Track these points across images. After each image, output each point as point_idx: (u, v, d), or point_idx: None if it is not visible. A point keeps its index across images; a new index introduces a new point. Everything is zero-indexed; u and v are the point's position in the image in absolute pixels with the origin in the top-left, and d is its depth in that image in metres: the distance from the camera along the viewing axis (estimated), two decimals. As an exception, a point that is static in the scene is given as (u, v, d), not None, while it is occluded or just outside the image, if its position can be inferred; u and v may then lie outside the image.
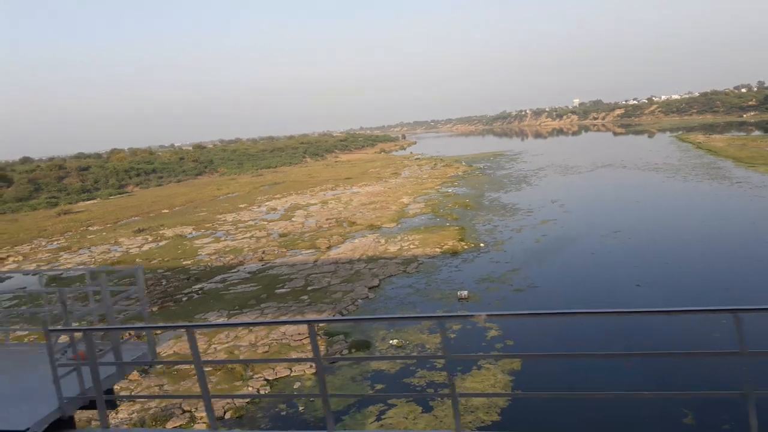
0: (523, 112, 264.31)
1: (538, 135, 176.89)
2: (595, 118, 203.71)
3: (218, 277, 21.73)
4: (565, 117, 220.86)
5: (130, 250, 28.46)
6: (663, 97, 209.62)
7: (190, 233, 32.24)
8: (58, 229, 37.77)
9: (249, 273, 22.09)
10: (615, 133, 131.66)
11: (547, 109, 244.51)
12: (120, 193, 60.72)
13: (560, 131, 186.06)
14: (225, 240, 29.24)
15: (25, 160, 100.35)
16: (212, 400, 4.53)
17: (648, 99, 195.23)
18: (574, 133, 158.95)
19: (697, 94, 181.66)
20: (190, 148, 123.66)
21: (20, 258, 28.81)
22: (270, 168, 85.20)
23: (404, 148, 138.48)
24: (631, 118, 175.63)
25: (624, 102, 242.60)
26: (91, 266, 25.31)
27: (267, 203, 43.37)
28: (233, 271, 22.70)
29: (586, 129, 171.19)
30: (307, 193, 48.73)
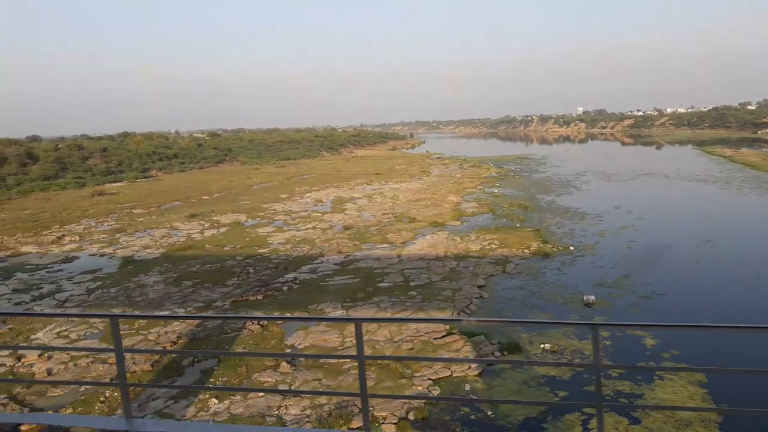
0: (529, 117, 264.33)
1: (543, 141, 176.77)
2: (603, 127, 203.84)
3: (305, 268, 20.96)
4: (572, 124, 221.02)
5: (192, 235, 27.57)
6: (669, 110, 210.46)
7: (246, 221, 31.39)
8: (101, 210, 36.75)
9: (336, 265, 21.34)
10: (623, 143, 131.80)
11: (554, 116, 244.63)
12: (144, 177, 59.59)
13: (567, 138, 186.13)
14: (288, 230, 28.41)
15: (33, 139, 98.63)
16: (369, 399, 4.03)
17: (657, 111, 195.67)
18: (581, 141, 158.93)
19: (703, 108, 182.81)
20: (186, 135, 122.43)
21: (76, 238, 27.86)
22: (290, 159, 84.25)
23: (414, 147, 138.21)
24: (641, 129, 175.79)
25: (629, 112, 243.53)
26: (159, 250, 24.52)
27: (309, 195, 42.54)
28: (316, 262, 21.94)
29: (593, 137, 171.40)
30: (344, 186, 47.96)
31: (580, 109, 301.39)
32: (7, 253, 24.96)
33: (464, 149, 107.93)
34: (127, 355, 12.37)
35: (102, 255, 24.14)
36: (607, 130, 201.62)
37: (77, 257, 23.94)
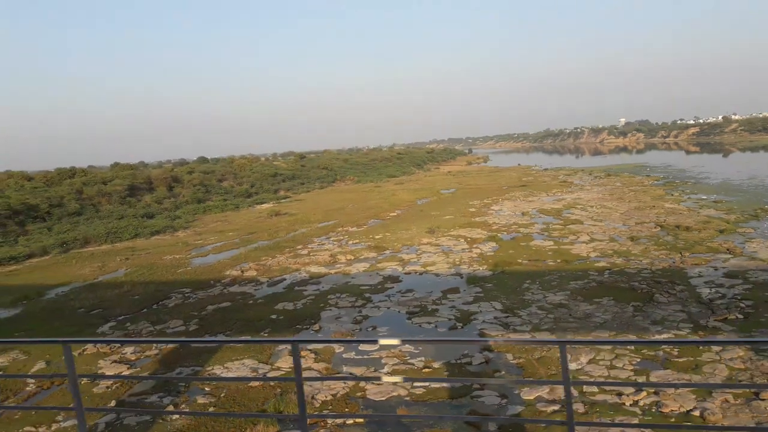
0: (579, 129, 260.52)
1: (596, 152, 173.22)
2: (665, 137, 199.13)
3: (691, 279, 18.57)
4: (629, 135, 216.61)
5: (485, 252, 25.38)
6: (720, 117, 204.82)
7: (501, 235, 29.21)
8: (314, 231, 35.06)
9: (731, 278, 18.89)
10: (688, 152, 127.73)
11: (607, 127, 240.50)
12: (283, 198, 58.34)
13: (624, 149, 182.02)
14: (592, 242, 25.89)
15: (115, 165, 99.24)
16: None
17: (724, 118, 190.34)
18: (640, 151, 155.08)
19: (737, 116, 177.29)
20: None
21: (350, 258, 25.99)
22: (394, 177, 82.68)
23: (487, 162, 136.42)
24: (709, 137, 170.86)
25: (680, 121, 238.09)
26: (472, 267, 22.43)
27: (494, 208, 40.34)
28: (696, 272, 19.52)
29: (653, 147, 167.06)
30: (510, 199, 45.78)
31: (623, 120, 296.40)
32: (305, 275, 23.15)
33: (542, 163, 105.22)
34: None
35: (417, 273, 22.10)
36: (670, 139, 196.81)
37: (389, 276, 21.93)
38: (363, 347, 14.19)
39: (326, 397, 11.60)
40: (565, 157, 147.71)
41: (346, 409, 11.01)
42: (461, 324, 15.60)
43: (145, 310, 19.41)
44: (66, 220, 39.80)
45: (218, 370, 13.51)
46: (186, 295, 20.96)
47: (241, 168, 76.73)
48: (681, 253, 22.72)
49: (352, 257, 26.07)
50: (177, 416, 11.18)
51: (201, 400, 11.92)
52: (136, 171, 55.94)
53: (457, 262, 23.35)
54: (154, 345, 15.37)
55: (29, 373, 14.03)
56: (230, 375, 13.30)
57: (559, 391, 11.02)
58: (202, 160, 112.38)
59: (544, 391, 11.15)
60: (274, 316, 17.65)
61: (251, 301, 19.65)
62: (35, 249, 31.70)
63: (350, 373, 12.75)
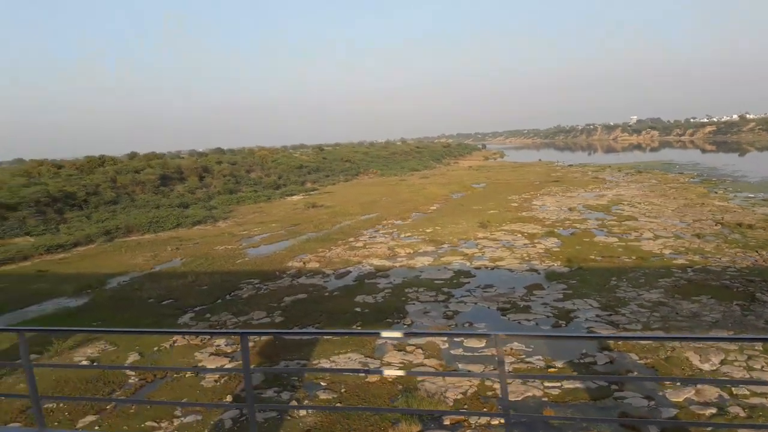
0: (592, 126, 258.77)
1: (610, 150, 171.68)
2: (680, 135, 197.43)
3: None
4: (644, 132, 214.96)
5: (549, 247, 24.86)
6: (736, 116, 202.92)
7: (560, 230, 28.61)
8: (359, 224, 34.54)
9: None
10: (704, 150, 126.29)
11: (620, 124, 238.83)
12: (312, 190, 57.79)
13: (637, 146, 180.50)
14: (658, 239, 25.23)
15: (133, 156, 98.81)
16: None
17: (740, 116, 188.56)
18: (654, 149, 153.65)
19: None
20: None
21: (409, 251, 25.48)
22: (417, 171, 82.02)
23: (503, 157, 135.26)
24: (726, 136, 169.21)
25: (693, 119, 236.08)
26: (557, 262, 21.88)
27: (536, 203, 39.69)
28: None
29: (668, 145, 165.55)
30: (546, 194, 45.12)
31: (634, 118, 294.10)
32: (370, 268, 22.65)
33: (557, 159, 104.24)
34: None
35: (488, 268, 21.54)
36: (685, 137, 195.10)
37: (459, 270, 21.37)
38: (468, 343, 13.67)
39: (456, 395, 11.11)
40: (577, 153, 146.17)
41: (485, 408, 10.51)
42: (564, 322, 15.06)
43: (219, 300, 18.95)
44: (103, 209, 39.41)
45: (326, 364, 13.04)
46: (256, 286, 20.49)
47: (263, 159, 76.20)
48: (757, 251, 22.12)
49: (411, 251, 25.53)
50: (303, 413, 10.70)
51: (322, 395, 11.43)
52: (166, 161, 55.47)
53: (526, 258, 22.78)
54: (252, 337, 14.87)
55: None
56: (335, 368, 12.84)
57: (709, 393, 10.50)
58: (218, 151, 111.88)
59: (690, 393, 10.62)
60: (358, 309, 17.16)
61: (326, 294, 19.17)
62: (80, 237, 31.31)
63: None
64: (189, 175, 52.08)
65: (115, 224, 34.29)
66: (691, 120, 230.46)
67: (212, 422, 10.64)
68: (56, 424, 10.79)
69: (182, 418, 10.84)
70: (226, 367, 13.26)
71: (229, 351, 14.33)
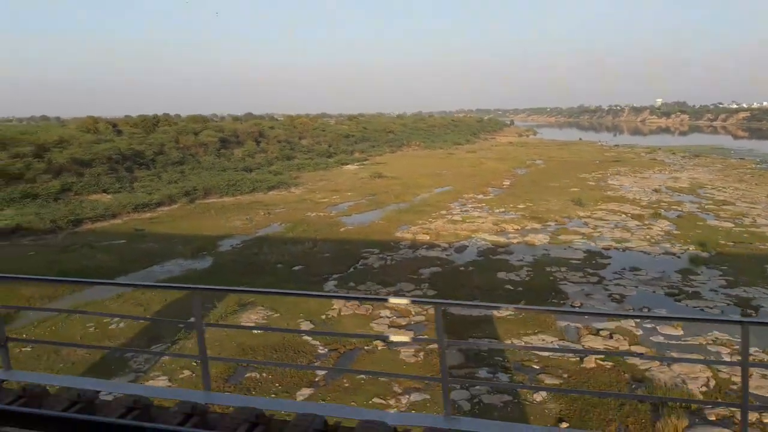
0: (618, 107, 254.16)
1: (636, 132, 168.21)
2: (712, 120, 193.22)
3: None
4: (673, 116, 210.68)
5: (665, 229, 23.89)
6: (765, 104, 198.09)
7: (665, 212, 27.55)
8: (438, 198, 33.64)
9: None
10: (735, 137, 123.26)
11: (649, 106, 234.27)
12: (363, 160, 56.76)
13: (665, 130, 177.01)
14: None
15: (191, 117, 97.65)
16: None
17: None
18: (683, 133, 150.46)
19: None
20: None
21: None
22: (459, 144, 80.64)
23: (536, 134, 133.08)
24: (761, 122, 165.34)
25: (719, 104, 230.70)
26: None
27: (614, 181, 38.55)
28: None
29: (698, 130, 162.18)
30: (615, 174, 43.89)
31: (659, 101, 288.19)
32: (484, 243, 21.85)
33: (598, 139, 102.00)
34: None
35: (619, 249, 20.67)
36: (717, 122, 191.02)
37: (588, 250, 20.52)
38: (664, 330, 12.89)
39: (698, 386, 10.36)
40: (602, 134, 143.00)
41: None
42: (752, 311, 14.23)
43: (352, 269, 18.29)
44: (171, 169, 38.76)
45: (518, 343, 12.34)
46: (380, 256, 19.78)
47: (304, 126, 75.06)
48: None
49: (519, 227, 24.68)
50: (539, 398, 10.03)
51: (547, 379, 10.73)
52: (223, 124, 54.49)
53: (652, 240, 21.87)
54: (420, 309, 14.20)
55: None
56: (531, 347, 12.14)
57: None
58: (250, 116, 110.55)
59: None
60: (509, 287, 16.41)
61: (461, 268, 18.43)
62: (162, 197, 30.74)
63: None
64: (246, 139, 51.21)
65: (192, 185, 33.66)
66: (720, 105, 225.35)
67: (440, 401, 9.99)
68: (273, 395, 10.22)
69: (407, 395, 10.20)
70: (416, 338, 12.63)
71: (402, 323, 13.68)
